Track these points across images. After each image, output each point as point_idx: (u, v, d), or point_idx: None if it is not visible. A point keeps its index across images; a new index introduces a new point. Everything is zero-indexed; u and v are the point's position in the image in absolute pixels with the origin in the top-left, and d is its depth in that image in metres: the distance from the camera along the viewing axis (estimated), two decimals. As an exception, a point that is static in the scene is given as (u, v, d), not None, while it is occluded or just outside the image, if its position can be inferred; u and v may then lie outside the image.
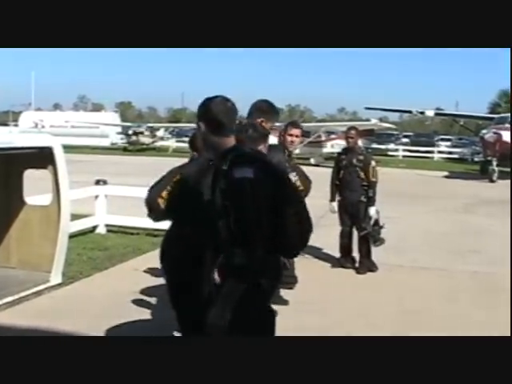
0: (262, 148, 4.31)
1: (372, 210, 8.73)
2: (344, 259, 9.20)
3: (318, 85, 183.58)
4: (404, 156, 43.52)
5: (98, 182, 11.19)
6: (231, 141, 3.49)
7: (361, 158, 8.89)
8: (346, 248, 9.19)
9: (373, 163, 8.88)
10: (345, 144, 9.45)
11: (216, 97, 3.54)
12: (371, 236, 8.77)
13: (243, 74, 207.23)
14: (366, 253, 8.90)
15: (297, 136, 6.59)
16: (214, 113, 3.46)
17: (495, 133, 26.98)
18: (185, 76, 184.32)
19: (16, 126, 51.79)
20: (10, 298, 6.95)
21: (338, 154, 9.55)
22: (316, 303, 7.10)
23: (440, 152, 46.13)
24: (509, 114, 28.95)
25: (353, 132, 9.01)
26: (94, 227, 11.13)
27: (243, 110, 5.00)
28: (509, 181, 22.01)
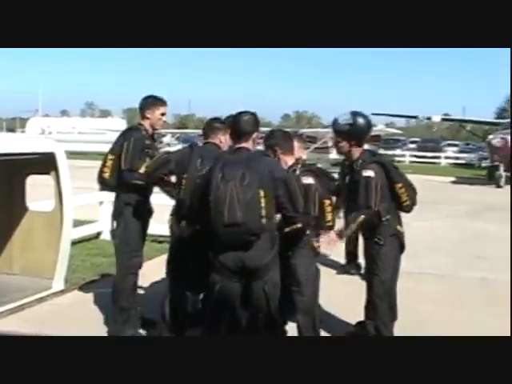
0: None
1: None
2: (349, 265, 9.09)
3: (324, 90, 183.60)
4: (411, 161, 43.36)
5: (102, 188, 11.13)
6: None
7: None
8: (351, 254, 9.09)
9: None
10: None
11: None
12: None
13: (249, 80, 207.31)
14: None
15: None
16: None
17: (502, 138, 26.86)
18: (192, 82, 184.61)
19: (23, 132, 51.91)
20: (11, 305, 6.90)
21: (344, 160, 9.43)
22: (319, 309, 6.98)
23: (447, 157, 46.02)
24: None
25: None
26: (99, 233, 11.08)
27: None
28: (516, 186, 21.91)
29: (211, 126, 5.94)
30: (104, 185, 6.35)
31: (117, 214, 6.29)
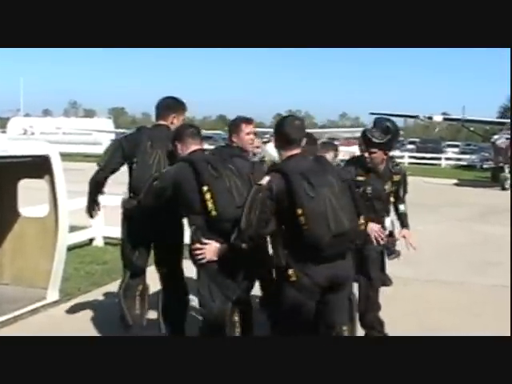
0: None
1: (387, 221, 8.22)
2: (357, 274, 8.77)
3: (318, 90, 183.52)
4: (410, 163, 42.57)
5: (94, 192, 10.79)
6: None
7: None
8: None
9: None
10: (351, 151, 8.98)
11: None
12: (386, 248, 8.27)
13: (241, 80, 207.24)
14: (380, 266, 8.49)
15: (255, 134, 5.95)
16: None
17: (507, 138, 26.48)
18: (179, 82, 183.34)
19: (4, 132, 50.16)
20: (3, 317, 6.57)
21: (347, 161, 8.93)
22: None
23: (447, 159, 45.64)
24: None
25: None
26: (91, 240, 10.75)
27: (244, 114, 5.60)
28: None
29: (164, 105, 5.70)
30: None
31: None
